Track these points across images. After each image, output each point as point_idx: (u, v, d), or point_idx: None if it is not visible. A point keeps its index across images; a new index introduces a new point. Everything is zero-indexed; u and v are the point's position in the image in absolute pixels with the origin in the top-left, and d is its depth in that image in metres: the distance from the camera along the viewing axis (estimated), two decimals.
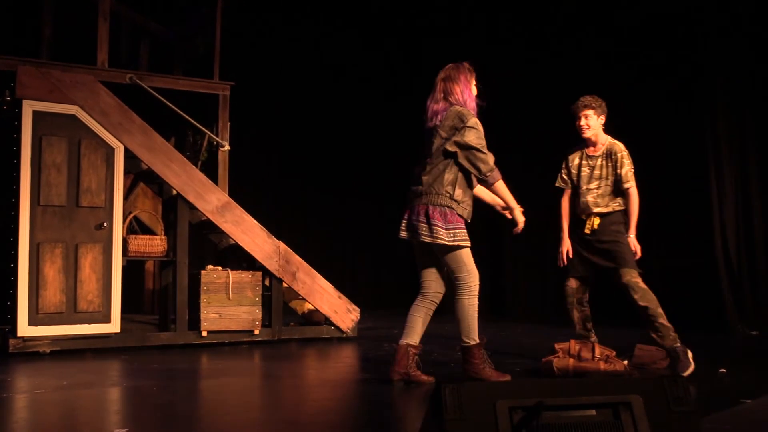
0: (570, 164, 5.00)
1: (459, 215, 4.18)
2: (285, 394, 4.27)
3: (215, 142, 6.75)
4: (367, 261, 10.11)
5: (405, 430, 3.26)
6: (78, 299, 5.72)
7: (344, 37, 9.41)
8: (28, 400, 3.95)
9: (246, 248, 6.35)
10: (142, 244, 6.12)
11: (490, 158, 4.19)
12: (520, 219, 4.36)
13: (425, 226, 4.14)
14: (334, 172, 9.72)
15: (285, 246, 6.51)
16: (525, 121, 8.33)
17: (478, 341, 4.24)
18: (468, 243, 4.19)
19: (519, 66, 8.49)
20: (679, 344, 4.66)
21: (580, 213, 4.93)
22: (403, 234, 4.25)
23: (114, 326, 5.86)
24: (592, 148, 4.96)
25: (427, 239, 4.15)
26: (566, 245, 4.94)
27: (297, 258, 6.57)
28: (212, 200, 6.26)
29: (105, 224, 5.83)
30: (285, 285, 6.52)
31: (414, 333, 4.33)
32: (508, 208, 4.40)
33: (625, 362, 4.60)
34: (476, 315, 4.24)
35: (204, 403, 4.09)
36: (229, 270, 6.27)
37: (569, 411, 2.06)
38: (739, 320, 6.85)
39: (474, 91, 4.36)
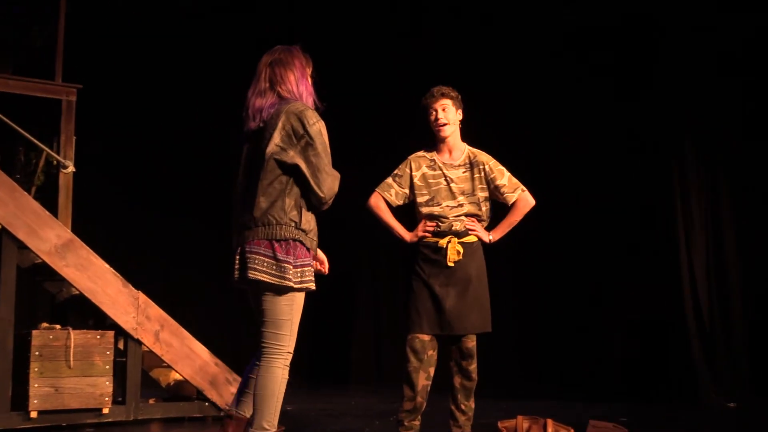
0: (413, 172, 5.02)
1: (308, 249, 3.94)
2: None
3: (55, 162, 6.49)
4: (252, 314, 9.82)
5: None
6: None
7: (213, 34, 9.31)
8: None
9: (93, 300, 6.05)
10: None
11: (336, 181, 3.95)
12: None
13: (270, 261, 3.84)
14: (211, 201, 9.26)
15: (145, 297, 6.23)
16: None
17: (277, 429, 3.95)
18: (313, 286, 3.94)
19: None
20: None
21: (430, 235, 4.95)
22: (237, 275, 3.92)
23: None
24: (447, 155, 5.02)
25: (267, 278, 3.82)
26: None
27: (161, 312, 6.28)
28: (50, 237, 5.95)
29: None
30: (145, 348, 6.23)
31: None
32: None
33: None
34: (283, 394, 3.94)
35: None
36: (71, 329, 5.93)
37: None
38: (714, 390, 6.86)
39: (310, 83, 4.10)
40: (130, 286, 6.18)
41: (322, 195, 3.89)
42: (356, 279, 9.40)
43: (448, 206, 4.93)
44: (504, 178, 5.02)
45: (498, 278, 8.19)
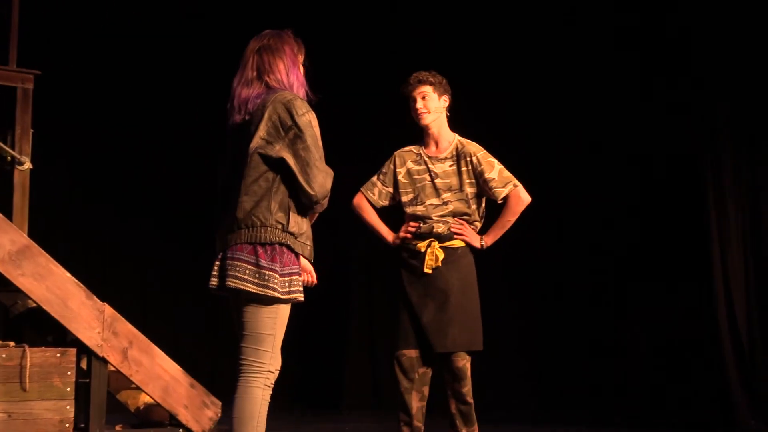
0: (397, 169, 4.98)
1: (296, 254, 3.87)
2: None
3: (9, 158, 6.26)
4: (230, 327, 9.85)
5: None
6: None
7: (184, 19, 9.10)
8: None
9: (53, 313, 5.78)
10: None
11: (329, 178, 3.87)
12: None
13: (253, 268, 3.78)
14: (188, 204, 9.14)
15: (112, 310, 5.95)
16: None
17: None
18: (302, 297, 3.87)
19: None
20: None
21: (411, 237, 4.89)
22: (214, 282, 3.90)
23: None
24: (433, 148, 4.94)
25: (250, 287, 3.76)
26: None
27: (129, 327, 6.01)
28: (3, 243, 5.71)
29: None
30: (111, 367, 5.97)
31: None
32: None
33: None
34: (265, 419, 3.86)
35: None
36: (26, 346, 5.67)
37: None
38: (752, 414, 6.72)
39: (302, 72, 4.07)
40: (95, 298, 5.92)
41: (312, 193, 3.78)
42: (349, 287, 9.19)
43: (431, 205, 4.84)
44: (494, 171, 4.85)
45: (502, 290, 8.20)
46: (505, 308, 8.32)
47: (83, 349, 5.92)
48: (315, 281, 4.11)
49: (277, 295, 3.73)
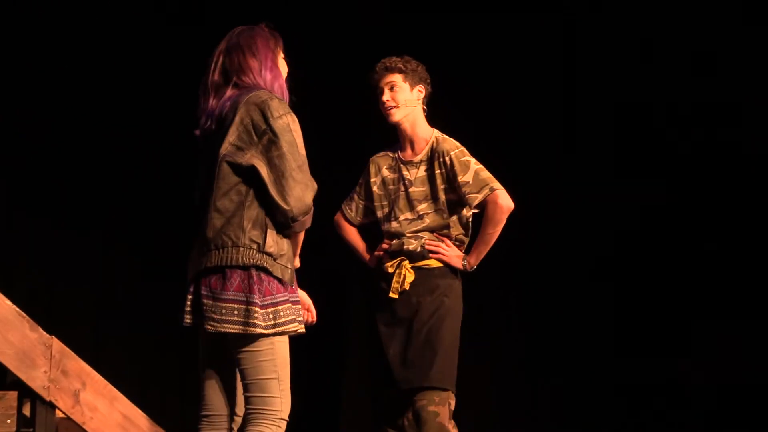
0: (371, 178, 4.75)
1: (279, 280, 3.73)
2: None
3: None
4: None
5: None
6: None
7: None
8: None
9: None
10: None
11: (309, 191, 3.74)
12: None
13: (229, 305, 3.71)
14: (156, 215, 8.70)
15: (61, 344, 5.67)
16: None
17: None
18: (302, 328, 3.79)
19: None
20: None
21: (384, 258, 4.69)
22: (188, 319, 3.82)
23: None
24: (408, 151, 4.69)
25: (231, 328, 3.66)
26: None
27: (82, 365, 5.77)
28: None
29: None
30: (60, 414, 5.74)
31: None
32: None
33: None
34: None
35: None
36: None
37: None
38: None
39: (283, 68, 3.98)
40: (41, 330, 5.64)
41: (287, 208, 3.65)
42: (346, 317, 8.82)
43: (406, 220, 4.64)
44: (468, 173, 4.56)
45: (533, 320, 7.80)
46: (536, 341, 8.05)
47: (26, 392, 5.69)
48: (314, 319, 4.03)
49: (259, 330, 3.59)
